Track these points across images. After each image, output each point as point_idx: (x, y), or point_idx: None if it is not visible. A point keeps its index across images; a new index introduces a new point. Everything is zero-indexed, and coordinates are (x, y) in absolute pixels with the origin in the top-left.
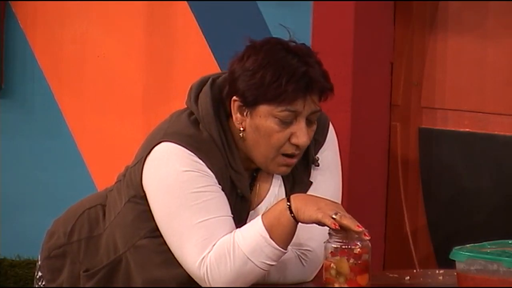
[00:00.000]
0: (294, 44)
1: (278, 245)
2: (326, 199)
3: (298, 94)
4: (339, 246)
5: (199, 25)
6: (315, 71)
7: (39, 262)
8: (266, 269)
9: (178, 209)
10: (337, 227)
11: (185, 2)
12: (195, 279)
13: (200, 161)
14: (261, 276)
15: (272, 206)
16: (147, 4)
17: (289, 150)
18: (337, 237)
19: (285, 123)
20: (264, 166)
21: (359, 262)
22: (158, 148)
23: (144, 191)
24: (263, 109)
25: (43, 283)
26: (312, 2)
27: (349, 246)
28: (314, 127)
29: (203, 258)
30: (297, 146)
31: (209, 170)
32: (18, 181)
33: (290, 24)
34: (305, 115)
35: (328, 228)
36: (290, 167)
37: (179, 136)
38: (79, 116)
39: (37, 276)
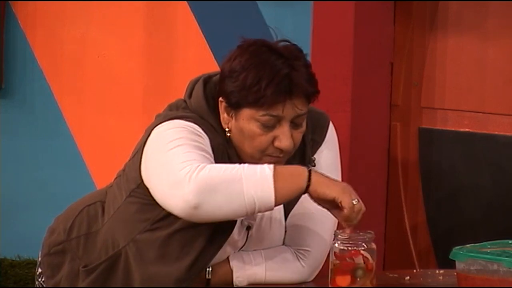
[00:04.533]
0: (283, 44)
1: (275, 191)
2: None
3: (278, 99)
4: (345, 248)
5: (199, 25)
6: (299, 74)
7: (40, 259)
8: (246, 200)
9: (166, 147)
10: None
11: (185, 2)
12: (169, 185)
13: (204, 134)
14: (237, 209)
15: (291, 166)
16: (147, 4)
17: (273, 153)
18: (343, 238)
19: (268, 127)
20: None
21: (347, 262)
22: (159, 126)
23: (143, 181)
24: (245, 112)
25: (43, 279)
26: (312, 2)
27: (355, 248)
28: (302, 129)
29: (191, 162)
30: (280, 150)
31: (209, 145)
32: (18, 181)
33: (290, 24)
34: (288, 119)
35: (332, 229)
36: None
37: (182, 116)
38: (79, 116)
39: (37, 273)
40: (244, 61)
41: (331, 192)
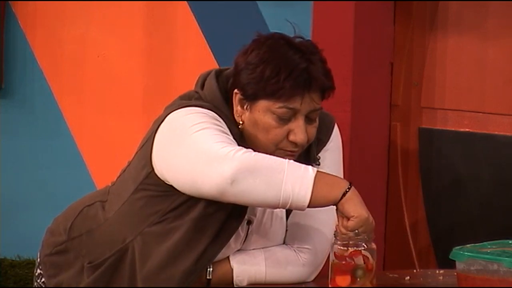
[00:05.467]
0: (299, 40)
1: (312, 193)
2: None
3: (296, 91)
4: (345, 248)
5: (199, 25)
6: (316, 68)
7: (39, 259)
8: (282, 193)
9: (196, 128)
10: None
11: (185, 2)
12: (207, 162)
13: (222, 121)
14: (271, 198)
15: (334, 176)
16: (147, 4)
17: (287, 147)
18: (343, 238)
19: (283, 119)
20: None
21: (346, 262)
22: (175, 112)
23: (153, 169)
24: (262, 104)
25: (42, 280)
26: (312, 2)
27: (355, 248)
28: (315, 124)
29: (228, 144)
30: (295, 144)
31: (229, 132)
32: (18, 181)
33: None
34: (304, 113)
35: (333, 229)
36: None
37: (197, 105)
38: (79, 116)
39: (36, 274)
40: (262, 53)
41: (354, 212)
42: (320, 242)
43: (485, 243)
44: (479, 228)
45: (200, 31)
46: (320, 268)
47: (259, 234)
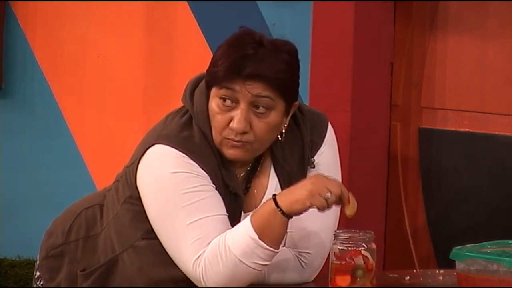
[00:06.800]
0: (271, 38)
1: (269, 246)
2: (314, 177)
3: (230, 73)
4: (345, 248)
5: (199, 25)
6: (262, 58)
7: (38, 262)
8: (259, 269)
9: (172, 210)
10: (327, 208)
11: (185, 2)
12: (191, 279)
13: (193, 162)
14: (257, 276)
15: (261, 208)
16: (147, 4)
17: (229, 135)
18: (343, 239)
19: (227, 106)
20: (221, 151)
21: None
22: (151, 150)
23: (138, 192)
24: (212, 92)
25: (41, 283)
26: (312, 2)
27: (355, 248)
28: (267, 120)
29: (198, 257)
30: (235, 132)
31: (202, 171)
32: (18, 181)
33: (290, 24)
34: (246, 99)
35: (332, 231)
36: (237, 150)
37: (172, 138)
38: (79, 116)
39: (36, 276)
40: (223, 43)
41: (301, 205)
42: (320, 246)
43: (485, 243)
44: (479, 228)
45: (200, 31)
46: (319, 269)
47: None
